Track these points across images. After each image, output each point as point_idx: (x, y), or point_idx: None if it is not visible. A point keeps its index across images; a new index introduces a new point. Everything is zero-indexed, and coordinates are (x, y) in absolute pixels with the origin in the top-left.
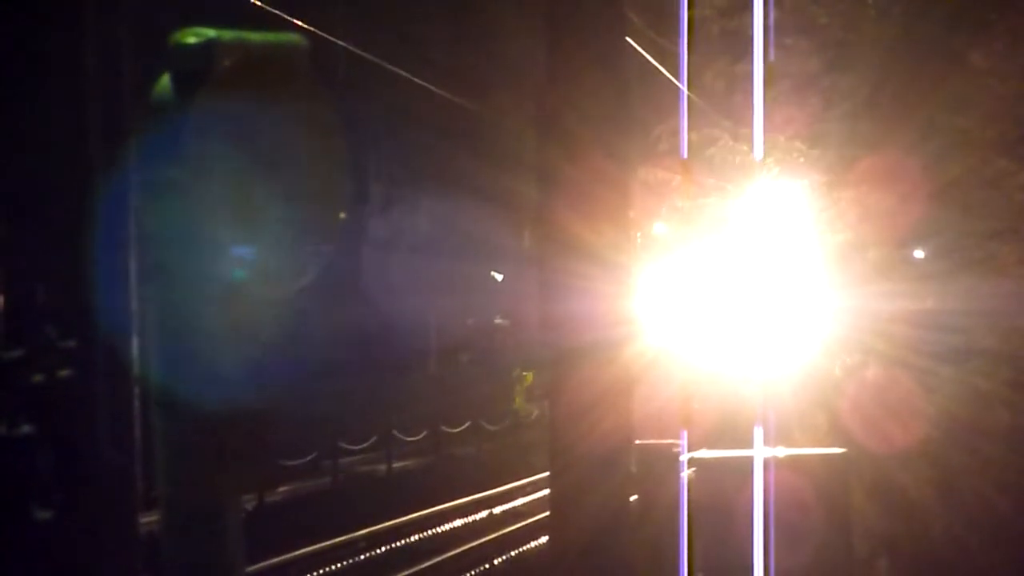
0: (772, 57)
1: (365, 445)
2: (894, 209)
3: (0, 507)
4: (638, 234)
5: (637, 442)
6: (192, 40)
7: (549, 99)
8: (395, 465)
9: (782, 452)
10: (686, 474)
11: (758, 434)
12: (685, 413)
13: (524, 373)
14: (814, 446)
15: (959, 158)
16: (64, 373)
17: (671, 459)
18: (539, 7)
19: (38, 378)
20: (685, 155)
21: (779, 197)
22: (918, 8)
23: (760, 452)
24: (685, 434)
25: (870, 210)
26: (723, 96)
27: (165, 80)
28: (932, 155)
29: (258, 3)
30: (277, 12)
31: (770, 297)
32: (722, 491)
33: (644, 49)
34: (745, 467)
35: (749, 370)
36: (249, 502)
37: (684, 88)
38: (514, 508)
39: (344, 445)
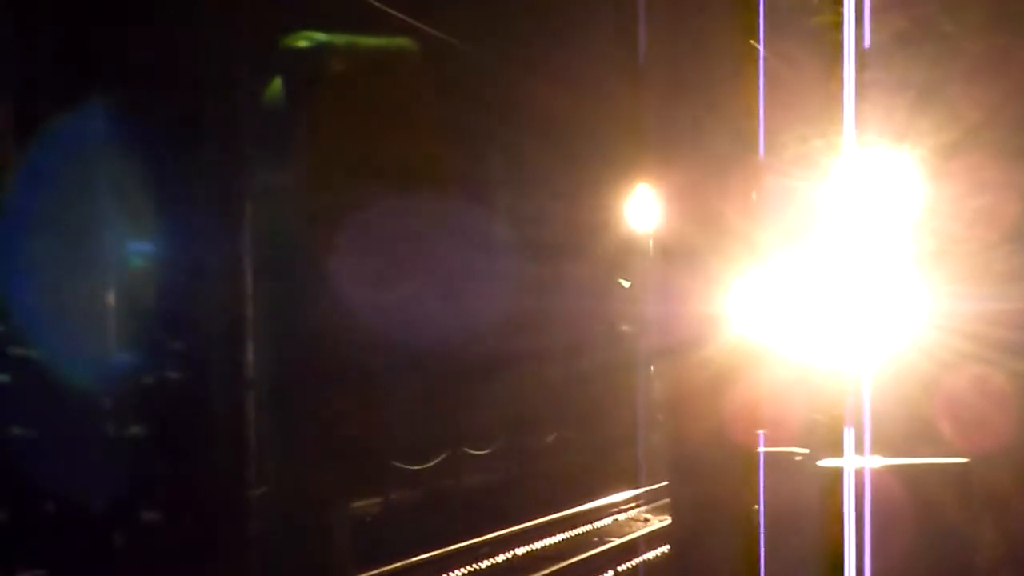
0: (895, 69)
1: (488, 451)
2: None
3: (111, 508)
4: (755, 239)
5: (760, 449)
6: (304, 44)
7: (669, 109)
8: (517, 470)
9: (887, 461)
10: (761, 474)
11: (849, 438)
12: (774, 414)
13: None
14: (931, 455)
15: None
16: (175, 375)
17: (795, 467)
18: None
19: (149, 379)
20: (762, 155)
21: (903, 205)
22: None
23: (852, 460)
24: (762, 435)
25: (998, 218)
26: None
27: (277, 83)
28: None
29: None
30: (393, 12)
31: (890, 300)
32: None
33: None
34: (883, 478)
35: (854, 368)
36: (365, 506)
37: (761, 78)
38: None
39: (467, 450)
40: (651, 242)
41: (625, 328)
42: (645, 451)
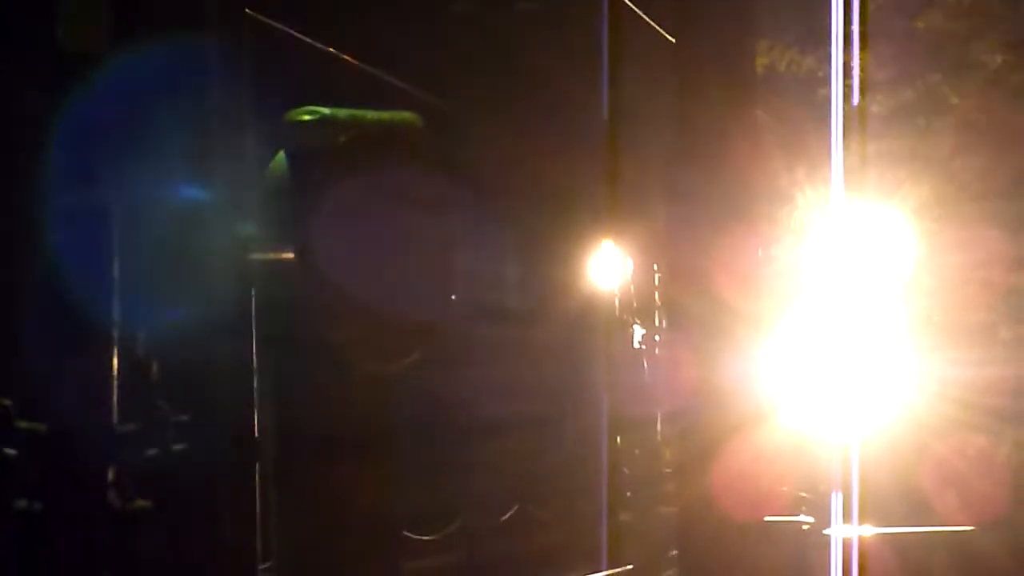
0: (900, 139)
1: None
2: None
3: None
4: (750, 306)
5: (767, 518)
6: (307, 118)
7: (679, 185)
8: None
9: (881, 530)
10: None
11: (836, 504)
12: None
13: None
14: (928, 525)
15: None
16: (179, 447)
17: (800, 536)
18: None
19: (153, 451)
20: (762, 221)
21: (906, 273)
22: None
23: (840, 528)
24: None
25: (1004, 286)
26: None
27: (280, 158)
28: None
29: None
30: (402, 85)
31: (889, 367)
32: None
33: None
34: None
35: (846, 437)
36: None
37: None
38: None
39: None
40: (617, 306)
41: (600, 397)
42: (611, 529)
